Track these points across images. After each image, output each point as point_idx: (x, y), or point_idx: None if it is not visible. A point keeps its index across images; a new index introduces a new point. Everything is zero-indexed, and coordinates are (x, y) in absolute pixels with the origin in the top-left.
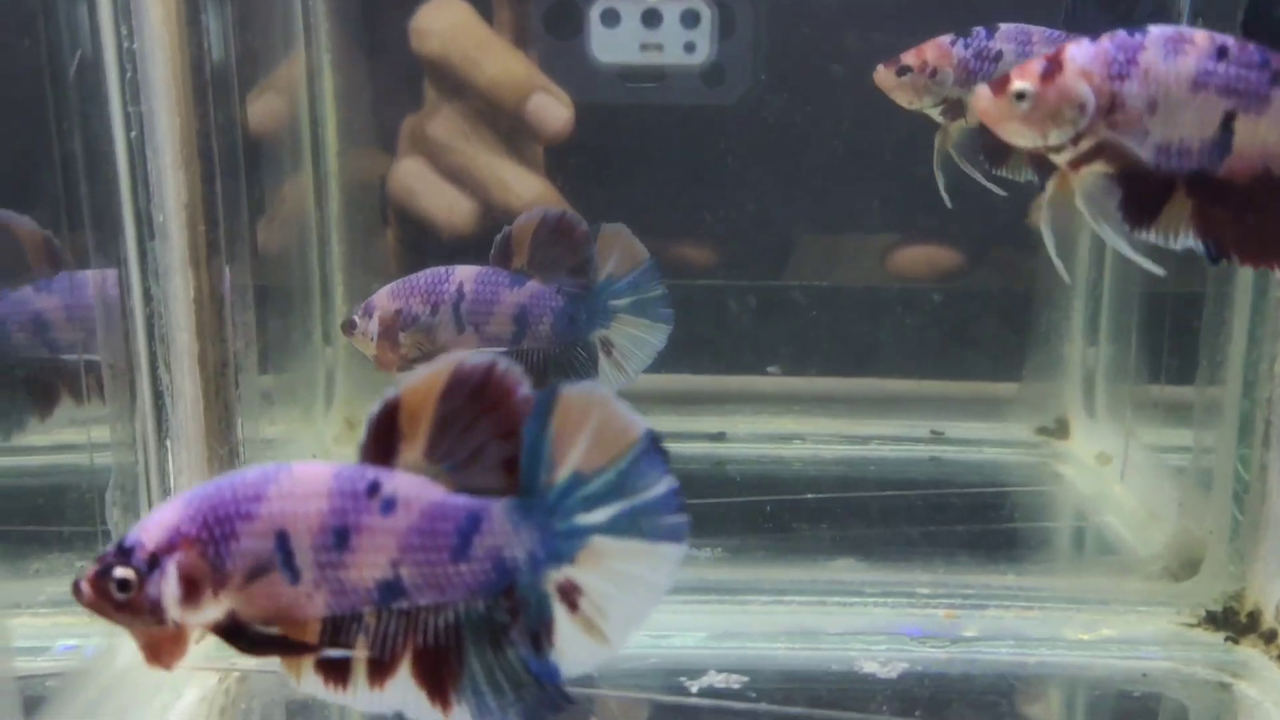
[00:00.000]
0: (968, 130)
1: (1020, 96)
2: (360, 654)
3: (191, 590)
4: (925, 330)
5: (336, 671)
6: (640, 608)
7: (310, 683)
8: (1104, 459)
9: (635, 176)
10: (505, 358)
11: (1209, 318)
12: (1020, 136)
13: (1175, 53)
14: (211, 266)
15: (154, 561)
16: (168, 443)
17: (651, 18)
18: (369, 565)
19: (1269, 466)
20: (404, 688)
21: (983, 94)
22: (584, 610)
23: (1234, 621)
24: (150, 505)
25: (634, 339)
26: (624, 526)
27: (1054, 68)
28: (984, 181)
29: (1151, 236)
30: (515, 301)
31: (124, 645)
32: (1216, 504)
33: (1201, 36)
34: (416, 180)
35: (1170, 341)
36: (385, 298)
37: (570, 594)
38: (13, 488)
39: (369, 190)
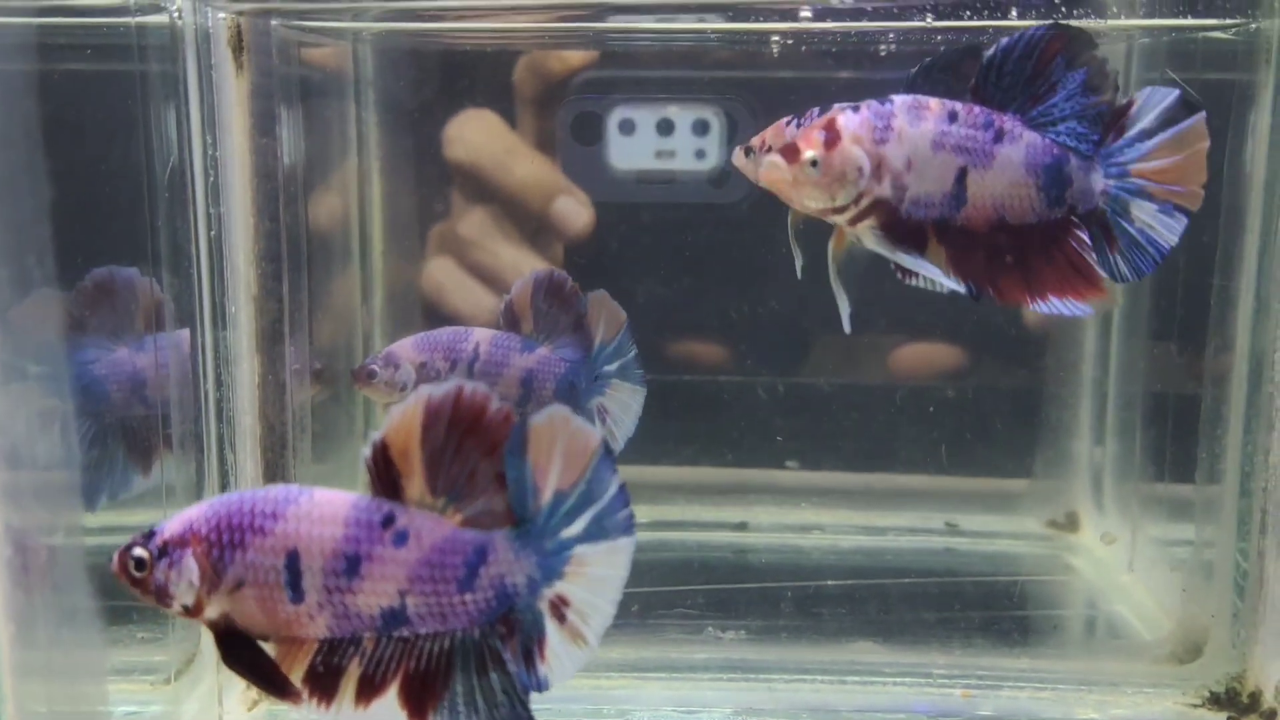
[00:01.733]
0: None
1: (814, 164)
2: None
3: (191, 584)
4: (939, 427)
5: (323, 688)
6: (609, 606)
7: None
8: (1109, 539)
9: (647, 273)
10: (469, 380)
11: (1207, 415)
12: (813, 200)
13: (918, 118)
14: (274, 354)
15: (164, 550)
16: None
17: (665, 126)
18: (376, 593)
19: (1266, 554)
20: (388, 708)
21: (776, 163)
22: (570, 620)
23: (1236, 702)
24: None
25: (621, 404)
26: (595, 531)
27: (832, 136)
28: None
29: (920, 281)
30: (523, 366)
31: (183, 712)
32: (1218, 592)
33: (935, 103)
34: (444, 276)
35: (1172, 441)
36: (410, 350)
37: (559, 607)
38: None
39: (409, 288)
